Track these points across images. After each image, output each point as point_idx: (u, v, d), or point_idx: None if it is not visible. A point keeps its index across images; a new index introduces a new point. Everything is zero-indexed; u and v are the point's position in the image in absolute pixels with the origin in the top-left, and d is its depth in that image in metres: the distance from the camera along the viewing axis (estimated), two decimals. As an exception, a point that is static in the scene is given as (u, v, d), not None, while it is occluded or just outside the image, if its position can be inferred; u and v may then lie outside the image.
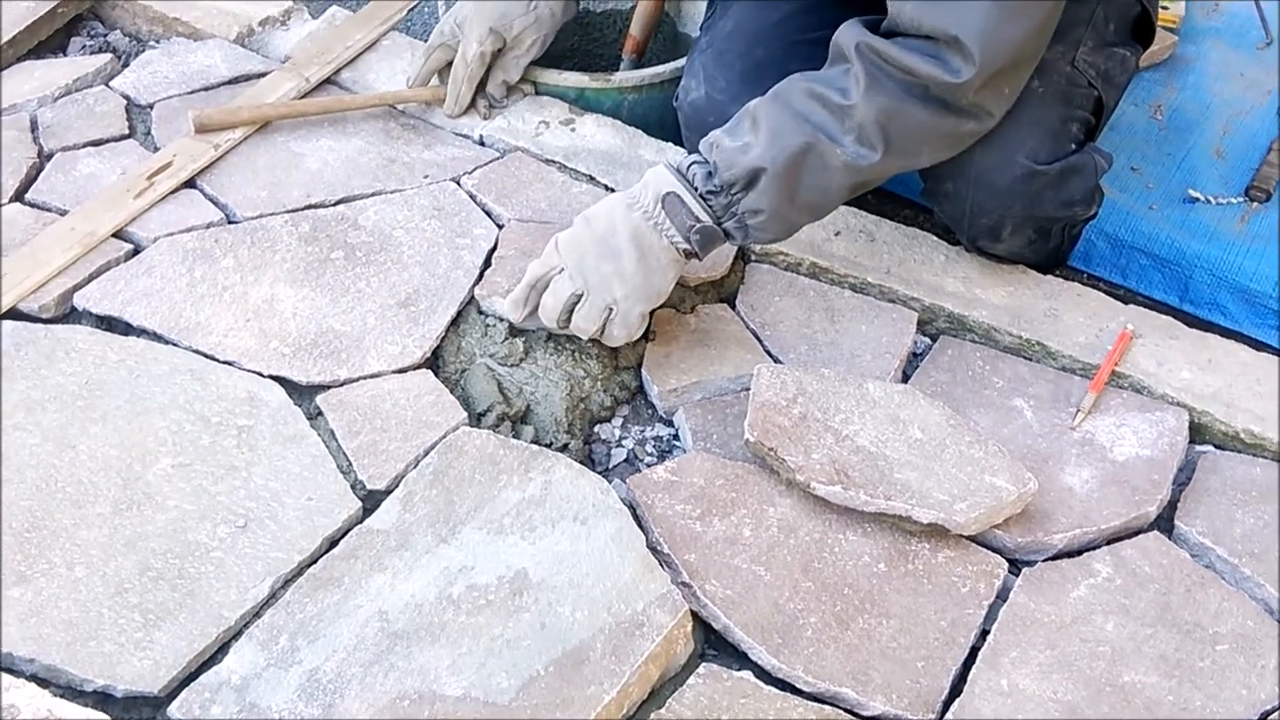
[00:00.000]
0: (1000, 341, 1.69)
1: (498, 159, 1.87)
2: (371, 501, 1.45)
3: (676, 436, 1.60)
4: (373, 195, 1.80)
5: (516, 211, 1.78)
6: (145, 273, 1.67)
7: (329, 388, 1.56)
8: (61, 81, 1.95)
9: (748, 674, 1.35)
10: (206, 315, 1.62)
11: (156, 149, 1.85)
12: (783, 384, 1.53)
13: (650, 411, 1.63)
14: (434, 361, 1.62)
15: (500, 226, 1.77)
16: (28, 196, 1.78)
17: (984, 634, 1.40)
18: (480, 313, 1.65)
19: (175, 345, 1.59)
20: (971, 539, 1.47)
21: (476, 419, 1.55)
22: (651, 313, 1.57)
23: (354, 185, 1.81)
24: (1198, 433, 1.61)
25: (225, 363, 1.57)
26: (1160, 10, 2.10)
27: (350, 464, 1.48)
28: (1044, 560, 1.47)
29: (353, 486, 1.46)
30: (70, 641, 1.31)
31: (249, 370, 1.56)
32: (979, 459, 1.48)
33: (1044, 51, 1.53)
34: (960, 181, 1.65)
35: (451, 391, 1.56)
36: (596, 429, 1.60)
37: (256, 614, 1.35)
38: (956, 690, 1.35)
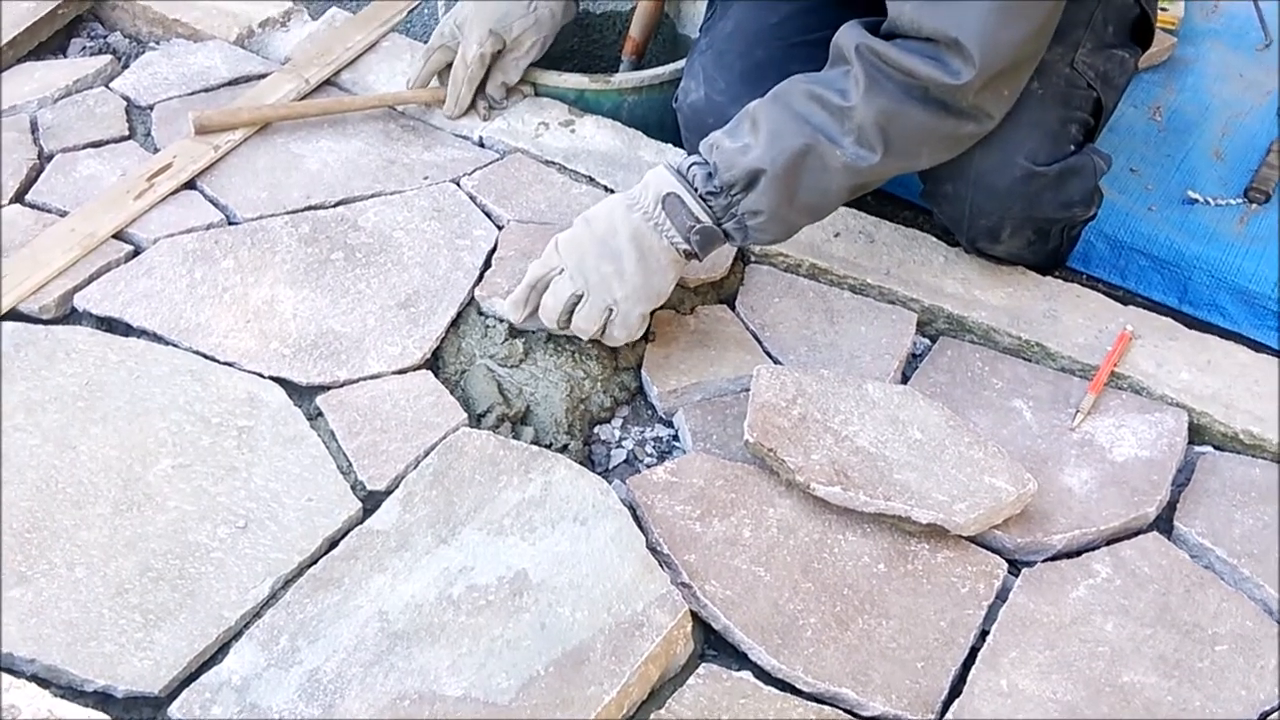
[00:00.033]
0: (999, 342, 1.69)
1: (497, 160, 1.88)
2: (372, 502, 1.45)
3: (676, 437, 1.60)
4: (373, 196, 1.80)
5: (516, 213, 1.79)
6: (145, 274, 1.67)
7: (329, 389, 1.56)
8: (61, 83, 1.95)
9: (747, 674, 1.35)
10: (207, 316, 1.62)
11: (156, 150, 1.86)
12: (782, 385, 1.54)
13: (650, 412, 1.63)
14: (434, 362, 1.62)
15: (500, 228, 1.77)
16: (28, 198, 1.78)
17: (983, 634, 1.40)
18: (480, 314, 1.65)
19: (175, 346, 1.59)
20: (971, 540, 1.47)
21: (476, 420, 1.55)
22: (651, 313, 1.57)
23: (354, 186, 1.81)
24: (1197, 434, 1.61)
25: (225, 364, 1.57)
26: (1159, 12, 2.10)
27: (350, 465, 1.48)
28: (1043, 561, 1.47)
29: (353, 487, 1.46)
30: (71, 642, 1.31)
31: (249, 371, 1.57)
32: (978, 460, 1.48)
33: (1043, 53, 1.53)
34: (960, 183, 1.65)
35: (451, 392, 1.57)
36: (596, 430, 1.61)
37: (257, 614, 1.35)
38: (956, 690, 1.35)
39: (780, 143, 1.48)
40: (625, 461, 1.58)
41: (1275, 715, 1.34)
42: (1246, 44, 2.23)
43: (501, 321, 1.63)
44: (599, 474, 1.50)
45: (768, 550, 1.44)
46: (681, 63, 1.91)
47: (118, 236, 1.72)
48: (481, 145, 1.92)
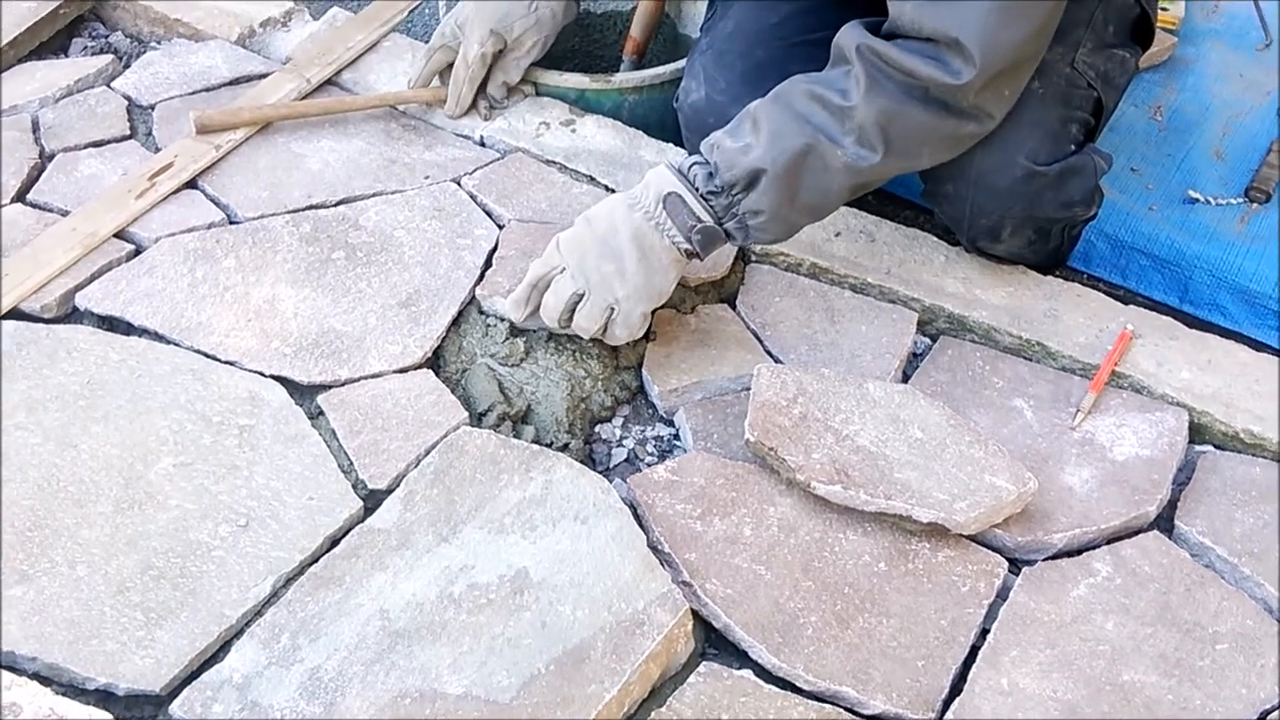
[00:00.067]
0: (1000, 342, 1.69)
1: (498, 160, 1.88)
2: (373, 501, 1.45)
3: (677, 436, 1.60)
4: (374, 196, 1.80)
5: (517, 212, 1.79)
6: (146, 273, 1.67)
7: (330, 387, 1.56)
8: (63, 82, 1.95)
9: (748, 673, 1.35)
10: (208, 315, 1.62)
11: (158, 150, 1.86)
12: (783, 384, 1.54)
13: (651, 411, 1.63)
14: (435, 361, 1.62)
15: (501, 227, 1.77)
16: (29, 197, 1.78)
17: (984, 633, 1.40)
18: (481, 313, 1.65)
19: (177, 345, 1.59)
20: (971, 538, 1.47)
21: (477, 419, 1.55)
22: (653, 313, 1.57)
23: (355, 186, 1.81)
24: (1197, 433, 1.61)
25: (227, 363, 1.57)
26: (1160, 11, 2.11)
27: (351, 463, 1.48)
28: (1044, 560, 1.47)
29: (354, 486, 1.46)
30: (72, 640, 1.31)
31: (250, 370, 1.57)
32: (979, 459, 1.48)
33: (1044, 53, 1.53)
34: (960, 182, 1.65)
35: (452, 391, 1.57)
36: (597, 429, 1.61)
37: (258, 613, 1.35)
38: (956, 689, 1.35)
39: (781, 143, 1.48)
40: (626, 460, 1.58)
41: (1275, 714, 1.34)
42: (1247, 44, 2.23)
43: (502, 320, 1.63)
44: (600, 473, 1.50)
45: (768, 549, 1.44)
46: (682, 63, 1.91)
47: (119, 236, 1.72)
48: (482, 145, 1.92)
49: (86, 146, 1.86)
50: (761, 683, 1.34)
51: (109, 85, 1.98)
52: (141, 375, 1.55)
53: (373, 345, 1.60)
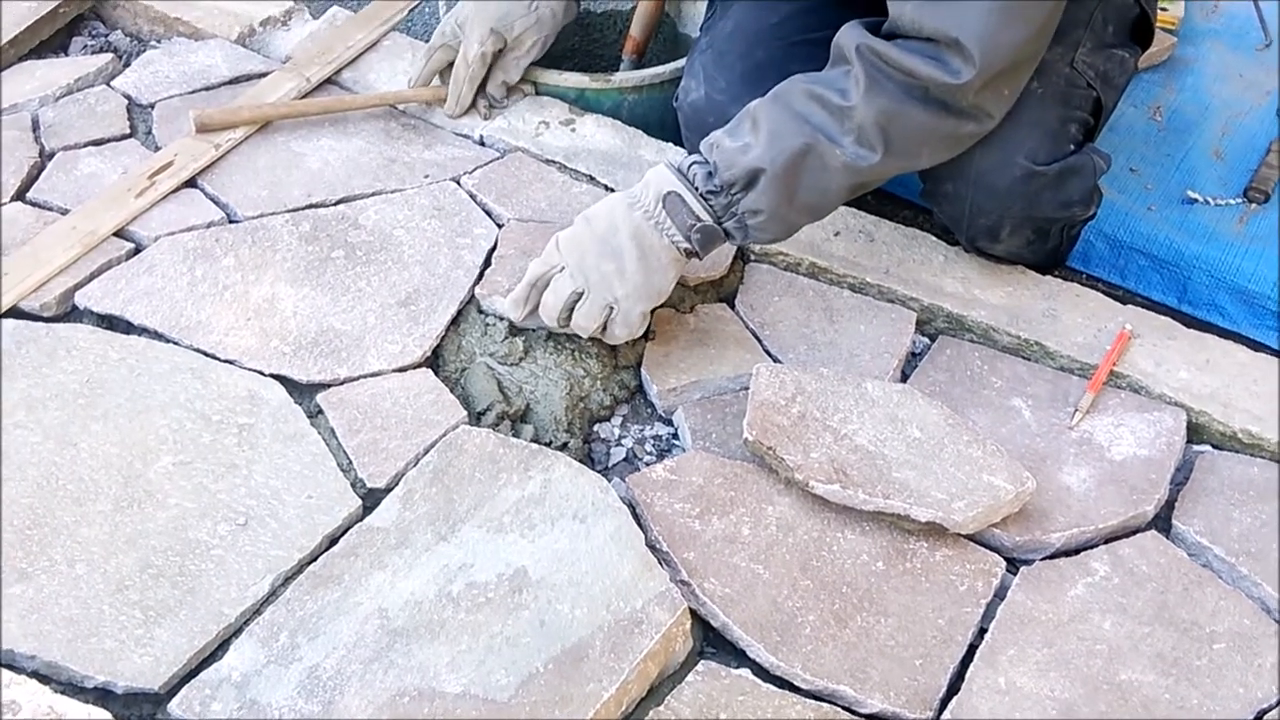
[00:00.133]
0: (999, 341, 1.70)
1: (498, 159, 1.88)
2: (371, 499, 1.45)
3: (675, 435, 1.61)
4: (373, 195, 1.80)
5: (516, 211, 1.79)
6: (146, 272, 1.67)
7: (329, 386, 1.57)
8: (63, 81, 1.95)
9: (746, 671, 1.35)
10: (207, 314, 1.62)
11: (157, 148, 1.86)
12: (781, 383, 1.54)
13: (649, 410, 1.64)
14: (434, 360, 1.62)
15: (500, 226, 1.77)
16: (29, 195, 1.78)
17: (982, 632, 1.40)
18: (480, 312, 1.66)
19: (176, 344, 1.59)
20: (969, 538, 1.47)
21: (476, 418, 1.55)
22: (652, 312, 1.58)
23: (354, 185, 1.81)
24: (1195, 432, 1.61)
25: (226, 361, 1.57)
26: (1159, 12, 2.10)
27: (350, 462, 1.49)
28: (1042, 559, 1.47)
29: (353, 484, 1.47)
30: (71, 638, 1.31)
31: (249, 369, 1.57)
32: (977, 458, 1.48)
33: (1043, 53, 1.53)
34: (959, 182, 1.65)
35: (451, 390, 1.57)
36: (596, 428, 1.61)
37: (257, 611, 1.35)
38: (954, 688, 1.35)
39: (780, 142, 1.48)
40: (625, 459, 1.58)
41: (1272, 713, 1.34)
42: (1246, 44, 2.23)
43: (502, 320, 1.63)
44: (598, 472, 1.50)
45: (767, 548, 1.44)
46: (682, 62, 1.91)
47: (119, 234, 1.72)
48: (482, 144, 1.92)
49: (86, 145, 1.86)
50: (759, 681, 1.34)
51: (109, 84, 1.98)
52: (141, 374, 1.55)
53: (372, 344, 1.61)
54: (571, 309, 1.54)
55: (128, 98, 1.95)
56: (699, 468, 1.51)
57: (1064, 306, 1.72)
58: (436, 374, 1.59)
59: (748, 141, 1.50)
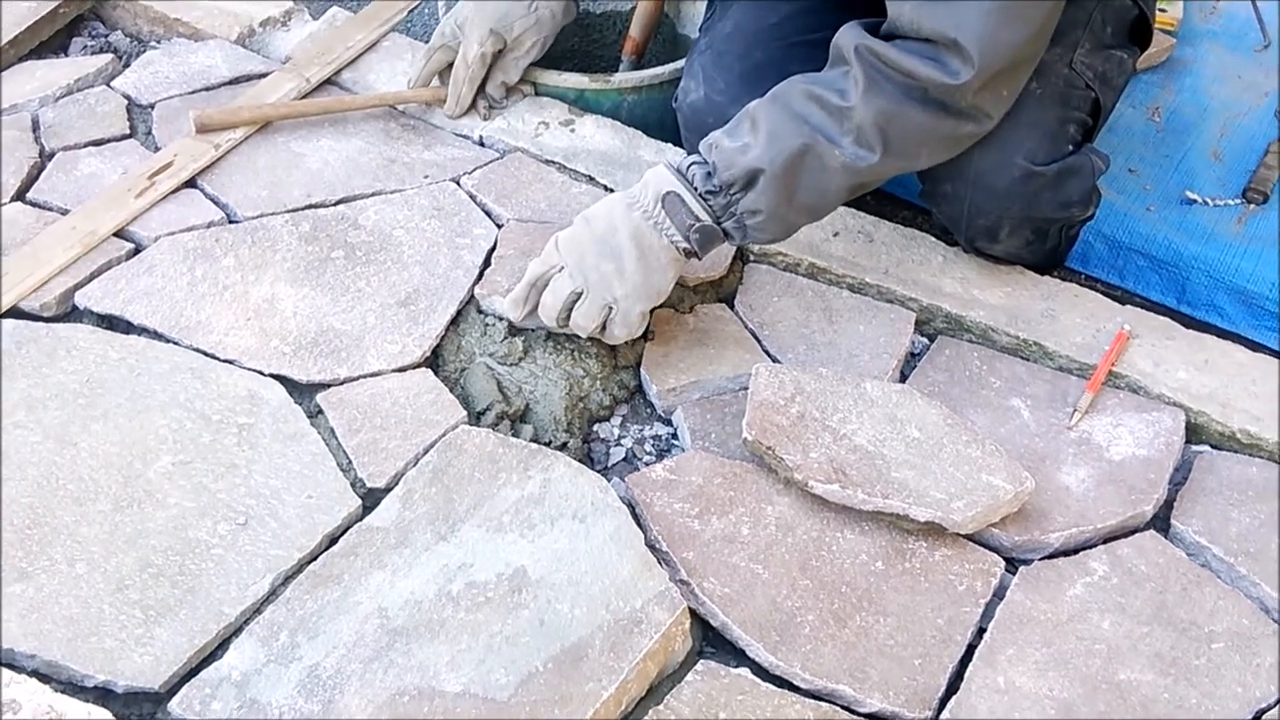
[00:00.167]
0: (998, 341, 1.70)
1: (497, 159, 1.88)
2: (371, 499, 1.46)
3: (675, 435, 1.61)
4: (373, 195, 1.80)
5: (516, 211, 1.79)
6: (146, 272, 1.67)
7: (329, 386, 1.57)
8: (63, 81, 1.96)
9: (745, 671, 1.36)
10: (207, 314, 1.62)
11: (157, 149, 1.86)
12: (781, 383, 1.54)
13: (649, 410, 1.64)
14: (434, 360, 1.62)
15: (500, 226, 1.77)
16: (29, 196, 1.78)
17: (981, 632, 1.40)
18: (480, 312, 1.66)
19: (176, 344, 1.59)
20: (968, 538, 1.47)
21: (476, 417, 1.56)
22: (651, 312, 1.58)
23: (354, 185, 1.81)
24: (1194, 432, 1.61)
25: (226, 361, 1.58)
26: (1158, 13, 2.11)
27: (350, 462, 1.49)
28: (1040, 559, 1.47)
29: (353, 484, 1.47)
30: (71, 637, 1.31)
31: (249, 369, 1.57)
32: (976, 458, 1.48)
33: (1042, 54, 1.53)
34: (958, 182, 1.65)
35: (451, 390, 1.57)
36: (595, 428, 1.61)
37: (257, 610, 1.35)
38: (953, 687, 1.35)
39: (779, 143, 1.48)
40: (624, 459, 1.58)
41: (1271, 713, 1.34)
42: (1245, 45, 2.24)
43: (501, 320, 1.64)
44: (598, 472, 1.50)
45: (766, 548, 1.44)
46: (681, 63, 1.91)
47: (119, 234, 1.72)
48: (481, 144, 1.92)
49: (86, 145, 1.86)
50: (759, 681, 1.35)
51: (109, 84, 1.98)
52: (141, 374, 1.55)
53: (372, 344, 1.61)
54: (570, 309, 1.54)
55: (128, 98, 1.95)
56: (698, 468, 1.51)
57: (1063, 307, 1.72)
58: (436, 374, 1.60)
59: (747, 142, 1.50)
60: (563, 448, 1.54)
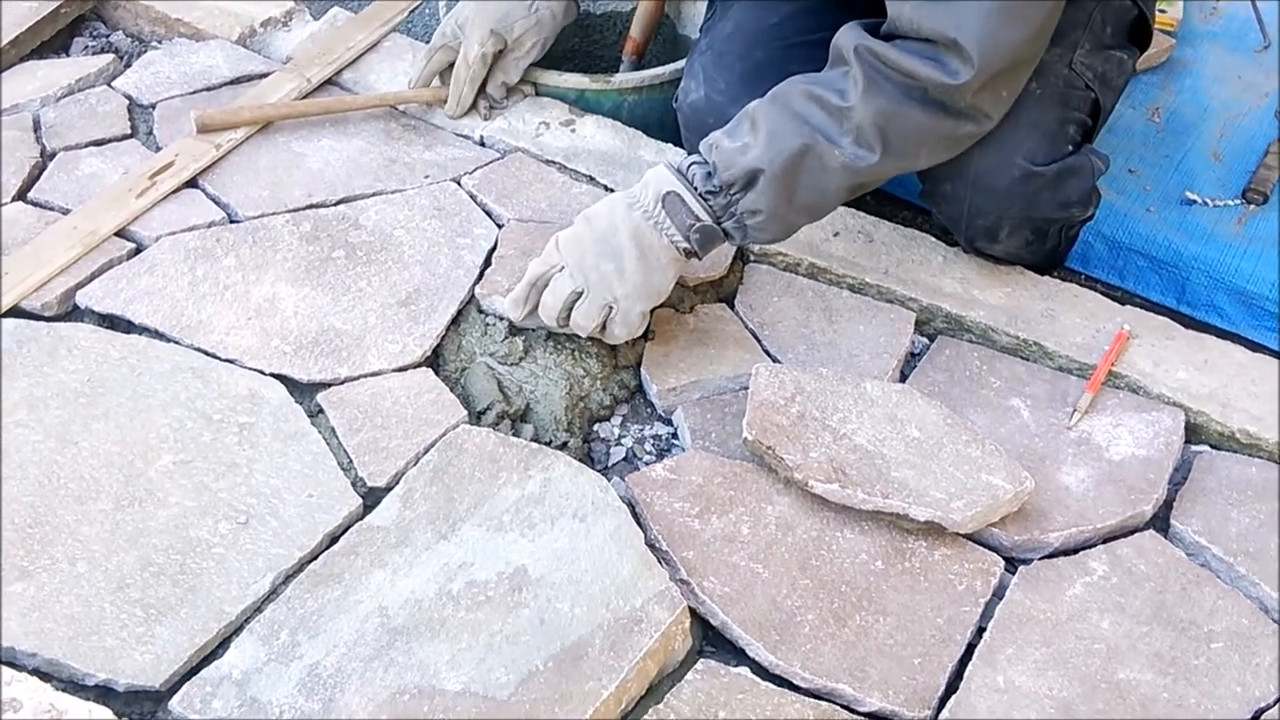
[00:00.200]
0: (997, 342, 1.70)
1: (498, 159, 1.88)
2: (372, 498, 1.46)
3: (675, 435, 1.61)
4: (374, 195, 1.81)
5: (516, 211, 1.79)
6: (147, 271, 1.67)
7: (330, 385, 1.57)
8: (64, 81, 1.96)
9: (745, 670, 1.36)
10: (208, 314, 1.63)
11: (158, 149, 1.86)
12: (781, 383, 1.54)
13: (649, 410, 1.64)
14: (434, 360, 1.62)
15: (500, 226, 1.77)
16: (30, 195, 1.79)
17: (980, 631, 1.40)
18: (480, 311, 1.66)
19: (177, 343, 1.59)
20: (968, 537, 1.47)
21: (476, 417, 1.56)
22: (651, 312, 1.58)
23: (355, 185, 1.82)
24: (1194, 432, 1.61)
25: (227, 361, 1.58)
26: (1158, 13, 2.11)
27: (351, 461, 1.49)
28: (1040, 558, 1.47)
29: (353, 483, 1.47)
30: (72, 636, 1.31)
31: (250, 368, 1.57)
32: (976, 458, 1.48)
33: (1042, 54, 1.53)
34: (958, 183, 1.66)
35: (451, 390, 1.57)
36: (596, 427, 1.61)
37: (257, 609, 1.35)
38: (953, 687, 1.35)
39: (779, 143, 1.49)
40: (624, 459, 1.58)
41: (1271, 712, 1.34)
42: (1245, 46, 2.24)
43: (501, 319, 1.64)
44: (598, 471, 1.50)
45: (766, 547, 1.44)
46: (681, 63, 1.91)
47: (120, 234, 1.72)
48: (482, 144, 1.92)
49: (87, 145, 1.86)
50: (758, 680, 1.35)
51: (110, 84, 1.98)
52: (142, 373, 1.55)
53: (372, 344, 1.61)
54: (571, 309, 1.55)
55: (129, 98, 1.95)
56: (698, 467, 1.51)
57: (1063, 307, 1.73)
58: (436, 373, 1.60)
59: (746, 142, 1.50)
60: (563, 447, 1.54)
